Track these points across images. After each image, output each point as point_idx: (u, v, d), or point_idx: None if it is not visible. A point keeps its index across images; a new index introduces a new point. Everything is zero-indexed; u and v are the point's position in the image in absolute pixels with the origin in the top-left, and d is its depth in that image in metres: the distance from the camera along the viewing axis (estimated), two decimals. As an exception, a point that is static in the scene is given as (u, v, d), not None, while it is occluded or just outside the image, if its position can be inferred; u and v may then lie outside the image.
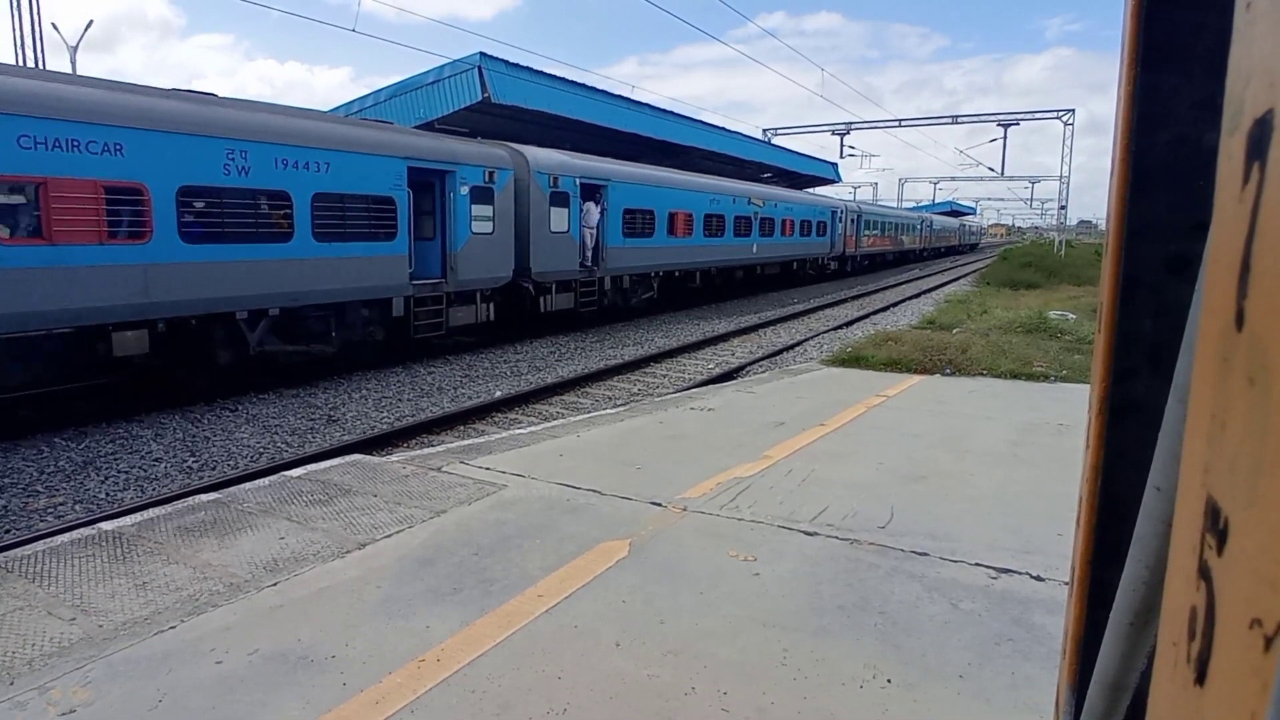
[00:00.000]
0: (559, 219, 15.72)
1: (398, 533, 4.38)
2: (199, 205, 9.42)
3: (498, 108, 18.93)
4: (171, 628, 3.32)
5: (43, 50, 18.63)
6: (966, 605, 3.57)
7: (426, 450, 6.63)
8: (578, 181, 16.24)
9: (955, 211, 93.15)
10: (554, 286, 15.95)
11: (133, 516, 4.70)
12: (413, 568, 3.92)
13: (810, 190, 39.66)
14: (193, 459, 7.60)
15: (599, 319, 17.80)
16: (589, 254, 17.01)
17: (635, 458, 5.94)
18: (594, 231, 17.01)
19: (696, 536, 4.34)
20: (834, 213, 33.75)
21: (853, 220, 36.28)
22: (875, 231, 40.76)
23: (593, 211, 16.88)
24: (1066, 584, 1.07)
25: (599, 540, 4.26)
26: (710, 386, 9.98)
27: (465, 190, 13.17)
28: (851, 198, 57.65)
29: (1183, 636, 0.45)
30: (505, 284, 14.45)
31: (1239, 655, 0.38)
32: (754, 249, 25.40)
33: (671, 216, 20.20)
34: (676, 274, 21.34)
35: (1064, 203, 46.21)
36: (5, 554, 4.15)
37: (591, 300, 17.23)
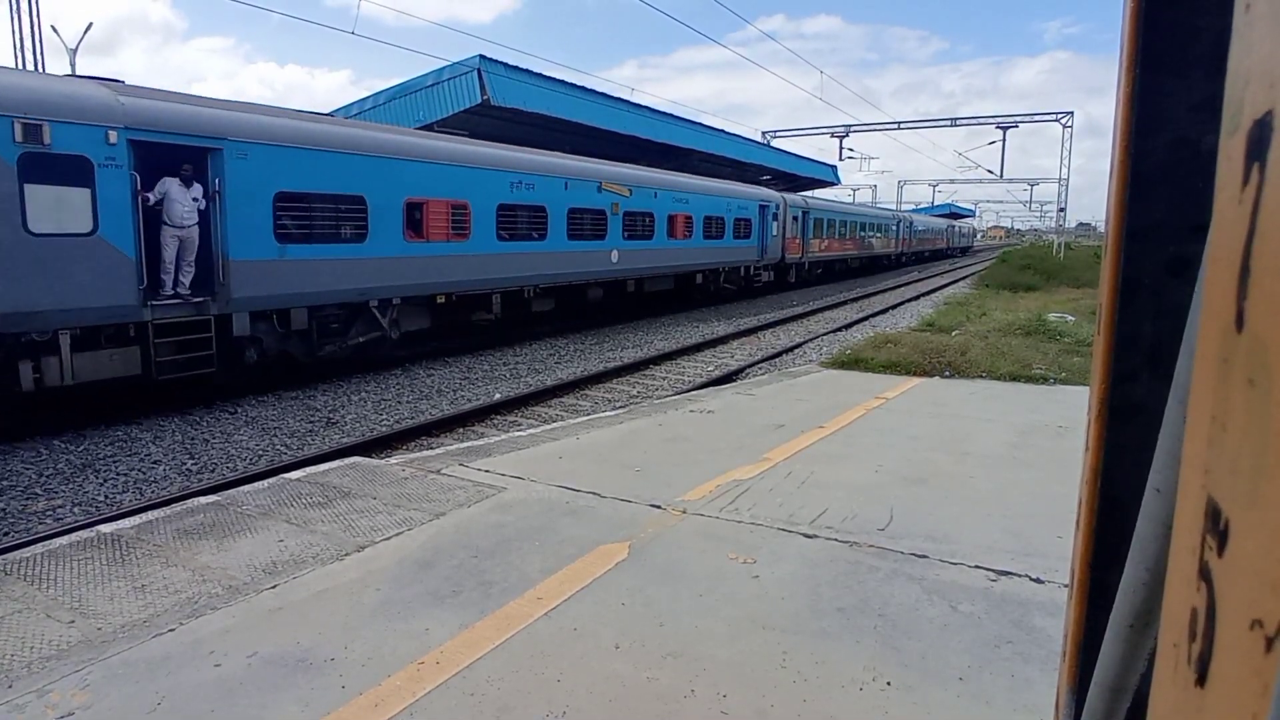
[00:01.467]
0: (58, 208, 8.08)
1: (397, 535, 4.38)
2: None
3: (497, 110, 18.99)
4: (170, 630, 3.32)
5: (42, 53, 18.65)
6: (966, 607, 3.57)
7: (426, 453, 6.62)
8: (120, 138, 8.49)
9: (954, 214, 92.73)
10: (66, 339, 8.18)
11: (131, 519, 4.69)
12: (412, 570, 3.91)
13: (812, 193, 39.43)
14: (191, 461, 7.59)
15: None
16: (184, 274, 9.57)
17: (635, 460, 5.93)
18: (190, 234, 9.50)
19: (696, 539, 4.34)
20: (763, 207, 25.67)
21: (796, 218, 28.48)
22: (832, 233, 33.37)
23: (179, 198, 9.35)
24: (1066, 586, 1.07)
25: (598, 543, 4.25)
26: (709, 389, 9.98)
27: None
28: (851, 199, 56.23)
29: (1183, 638, 0.45)
30: None
31: (1240, 656, 0.38)
32: (613, 257, 17.50)
33: (414, 209, 12.33)
34: (442, 300, 13.10)
35: (1063, 205, 46.27)
36: (4, 556, 4.14)
37: (200, 357, 9.43)
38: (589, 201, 16.81)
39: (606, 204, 17.37)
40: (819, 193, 42.87)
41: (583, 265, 16.79)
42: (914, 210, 72.86)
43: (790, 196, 28.84)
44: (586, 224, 16.82)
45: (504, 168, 14.38)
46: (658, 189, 19.72)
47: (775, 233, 26.76)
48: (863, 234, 38.62)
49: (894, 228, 45.71)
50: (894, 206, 69.91)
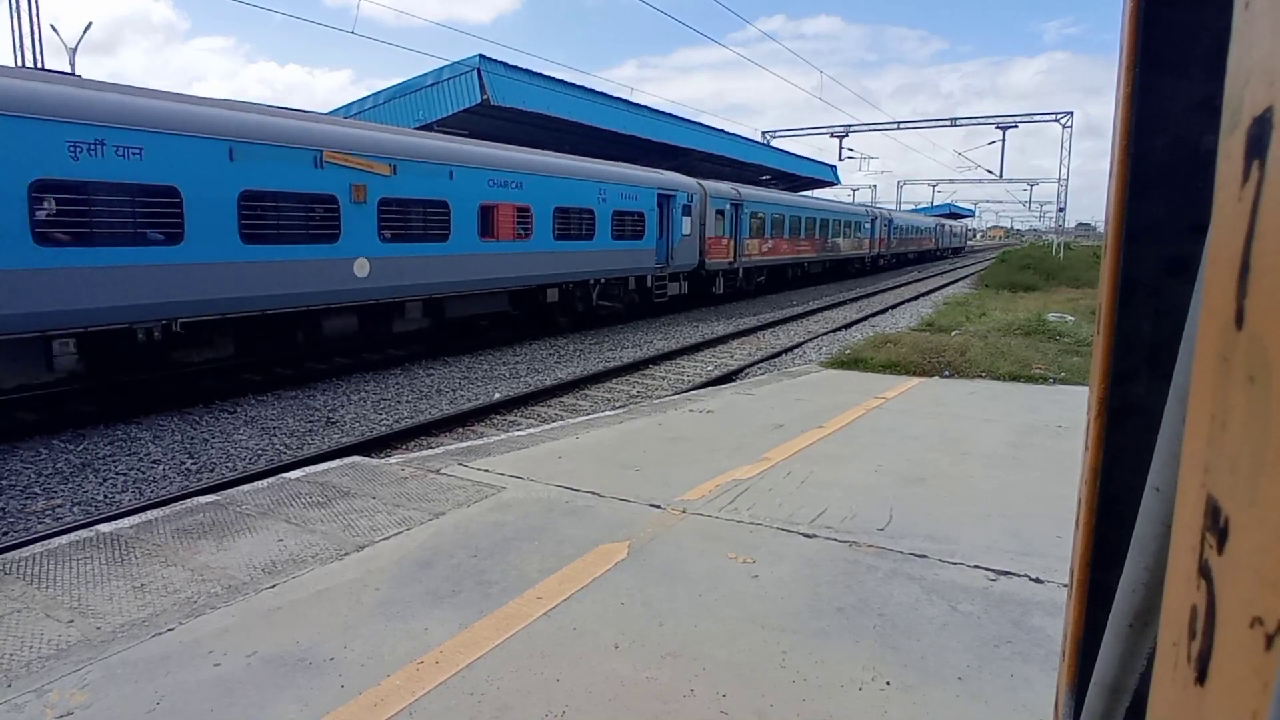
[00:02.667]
0: None
1: (396, 535, 4.37)
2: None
3: (497, 110, 18.99)
4: (169, 630, 3.31)
5: (42, 52, 18.64)
6: (965, 607, 3.57)
7: (425, 452, 6.62)
8: None
9: (954, 213, 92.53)
10: None
11: (131, 519, 4.69)
12: (411, 570, 3.91)
13: (809, 194, 39.22)
14: (191, 461, 7.59)
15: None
16: None
17: (634, 460, 5.93)
18: None
19: (695, 539, 4.34)
20: (666, 198, 19.35)
21: (722, 212, 22.48)
22: (779, 231, 27.00)
23: None
24: (1065, 586, 1.07)
25: (598, 542, 4.25)
26: (709, 388, 9.98)
27: None
28: (850, 198, 54.93)
29: (1183, 636, 0.45)
30: None
31: (1240, 654, 0.38)
32: (357, 270, 11.31)
33: None
34: None
35: (1062, 205, 46.30)
36: (3, 556, 4.14)
37: None
38: (293, 182, 10.46)
39: (338, 187, 10.96)
40: (820, 192, 42.70)
41: (284, 284, 10.41)
42: (913, 210, 72.22)
43: (714, 185, 22.66)
44: (290, 218, 10.54)
45: (49, 116, 7.99)
46: (456, 165, 12.81)
47: (688, 231, 20.36)
48: (824, 233, 32.12)
49: (868, 226, 39.29)
50: (893, 205, 69.32)
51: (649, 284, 19.29)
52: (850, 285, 31.88)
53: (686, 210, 20.32)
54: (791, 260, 29.01)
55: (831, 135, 40.59)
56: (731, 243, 23.29)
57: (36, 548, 4.23)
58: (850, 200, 48.51)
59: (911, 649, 3.19)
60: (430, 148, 12.75)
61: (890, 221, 44.56)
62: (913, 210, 70.74)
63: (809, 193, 39.67)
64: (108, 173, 8.52)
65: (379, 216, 11.64)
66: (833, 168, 43.59)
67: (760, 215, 25.31)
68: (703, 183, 21.97)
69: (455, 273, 13.13)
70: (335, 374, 11.56)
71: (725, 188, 23.39)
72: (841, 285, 32.16)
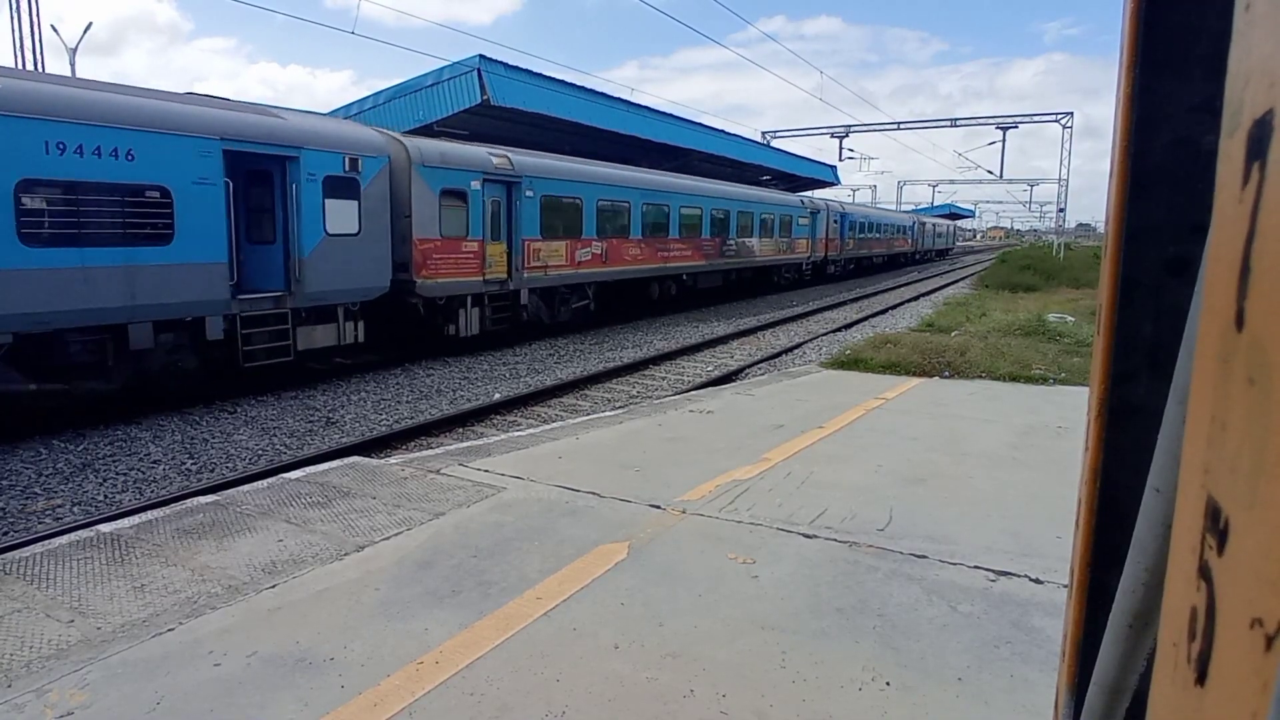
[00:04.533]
0: None
1: (396, 535, 4.37)
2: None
3: (497, 110, 18.96)
4: (170, 630, 3.31)
5: (41, 52, 18.65)
6: (965, 608, 3.57)
7: (425, 452, 6.62)
8: None
9: (954, 214, 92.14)
10: None
11: (131, 519, 4.69)
12: (411, 570, 3.91)
13: (807, 192, 39.09)
14: (191, 461, 7.58)
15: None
16: None
17: (634, 460, 5.93)
18: None
19: (695, 539, 4.34)
20: (282, 164, 10.20)
21: (463, 196, 13.06)
22: (619, 227, 17.48)
23: None
24: (1065, 586, 1.07)
25: (598, 543, 4.25)
26: (709, 389, 9.98)
27: None
28: (850, 198, 53.31)
29: (1183, 637, 0.45)
30: None
31: (1240, 655, 0.38)
32: None
33: None
34: None
35: (1062, 205, 46.31)
36: (3, 556, 4.14)
37: None
38: None
39: None
40: (831, 194, 42.41)
41: None
42: (913, 210, 71.46)
43: (438, 146, 13.02)
44: None
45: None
46: None
47: (352, 228, 11.16)
48: (723, 230, 22.39)
49: (806, 221, 29.31)
50: (893, 206, 68.68)
51: (221, 333, 9.70)
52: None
53: (342, 188, 10.95)
54: (654, 271, 18.86)
55: (831, 135, 40.58)
56: (496, 247, 13.93)
57: (37, 548, 4.23)
58: (850, 199, 46.61)
59: (911, 649, 3.20)
60: None
61: (844, 216, 34.42)
62: (912, 210, 69.64)
63: (817, 195, 39.53)
64: None
65: None
66: (833, 168, 43.56)
67: (566, 201, 15.39)
68: (410, 141, 12.52)
69: None
70: (335, 374, 11.56)
71: (473, 153, 13.52)
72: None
